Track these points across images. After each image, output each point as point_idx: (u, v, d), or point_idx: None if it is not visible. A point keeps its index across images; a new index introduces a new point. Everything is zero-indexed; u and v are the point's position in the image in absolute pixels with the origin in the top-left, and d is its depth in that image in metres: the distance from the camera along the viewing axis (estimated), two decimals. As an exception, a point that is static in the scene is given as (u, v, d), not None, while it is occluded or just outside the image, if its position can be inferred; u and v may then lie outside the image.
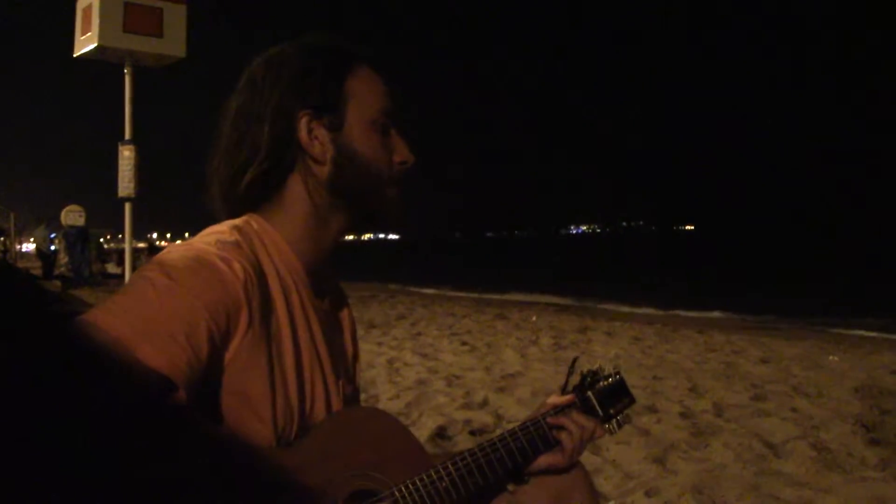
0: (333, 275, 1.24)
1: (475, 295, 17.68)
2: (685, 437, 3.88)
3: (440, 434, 3.96)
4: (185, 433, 0.89)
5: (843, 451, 3.59)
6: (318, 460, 1.00)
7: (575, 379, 1.42)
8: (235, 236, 1.03)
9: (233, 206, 1.12)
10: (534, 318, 10.49)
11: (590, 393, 1.37)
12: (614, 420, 1.39)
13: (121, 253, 17.67)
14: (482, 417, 4.32)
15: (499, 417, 4.36)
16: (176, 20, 6.60)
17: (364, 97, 1.12)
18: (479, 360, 6.53)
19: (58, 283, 16.37)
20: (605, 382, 1.40)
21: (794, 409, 4.46)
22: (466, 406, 4.64)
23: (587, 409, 1.35)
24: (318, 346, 1.10)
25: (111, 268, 20.19)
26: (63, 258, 17.02)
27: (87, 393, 0.54)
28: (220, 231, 1.04)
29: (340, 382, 1.14)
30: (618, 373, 1.45)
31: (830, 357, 6.79)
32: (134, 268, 7.65)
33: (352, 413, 1.13)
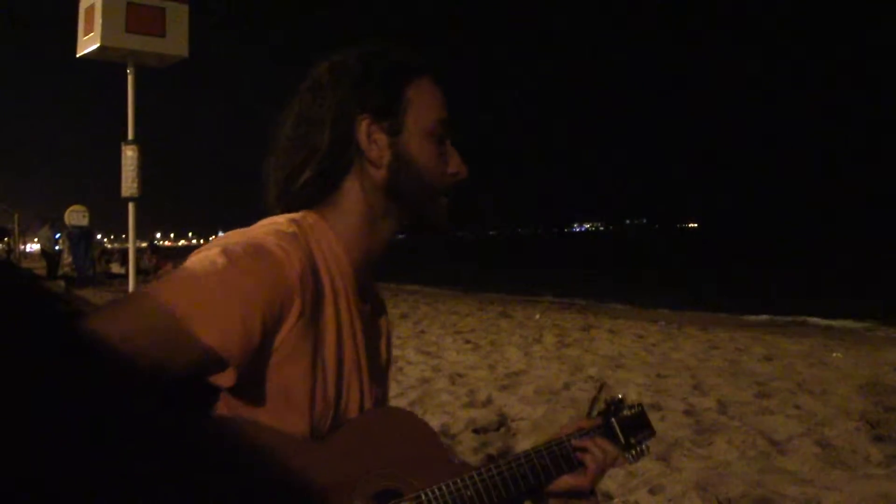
0: (374, 282, 1.26)
1: (478, 293, 17.68)
2: (689, 434, 3.88)
3: (444, 432, 3.96)
4: (221, 424, 0.90)
5: (847, 449, 3.58)
6: (348, 456, 1.02)
7: (600, 404, 1.44)
8: (293, 228, 1.05)
9: (287, 205, 1.14)
10: (537, 317, 10.49)
11: (614, 420, 1.40)
12: (634, 449, 1.42)
13: (124, 252, 17.70)
14: (486, 415, 4.33)
15: (502, 416, 4.37)
16: (178, 20, 6.60)
17: (423, 106, 1.14)
18: (483, 358, 6.54)
19: (61, 282, 16.42)
20: (629, 412, 1.44)
21: (797, 407, 4.45)
22: (470, 404, 4.65)
23: (610, 435, 1.38)
24: (359, 348, 1.11)
25: (115, 268, 20.23)
26: (67, 258, 17.08)
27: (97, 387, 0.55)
28: (278, 222, 1.06)
29: (374, 386, 1.15)
30: (640, 404, 1.48)
31: (834, 354, 6.78)
32: (138, 267, 7.65)
33: (383, 413, 1.14)
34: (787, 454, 3.53)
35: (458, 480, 1.09)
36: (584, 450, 1.29)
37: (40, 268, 19.86)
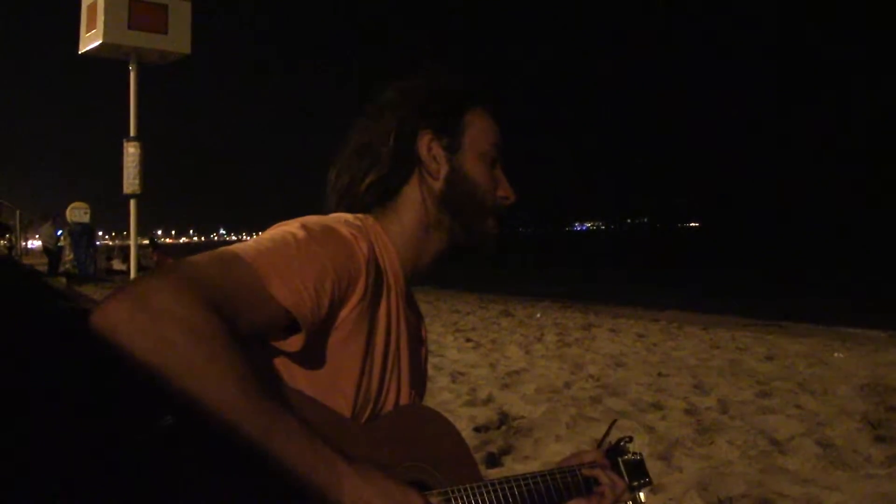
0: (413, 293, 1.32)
1: (479, 292, 17.67)
2: (690, 433, 3.88)
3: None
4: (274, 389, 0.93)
5: (848, 449, 3.58)
6: (384, 444, 1.07)
7: (611, 440, 1.49)
8: (359, 223, 1.13)
9: (348, 209, 1.21)
10: (538, 315, 10.50)
11: (620, 460, 1.45)
12: (634, 494, 1.45)
13: (125, 249, 17.71)
14: (487, 414, 4.33)
15: (503, 414, 4.37)
16: (181, 17, 6.61)
17: (479, 130, 1.23)
18: (484, 356, 6.54)
19: (63, 279, 16.43)
20: (632, 456, 1.48)
21: (799, 407, 4.45)
22: (471, 402, 4.65)
23: (617, 472, 1.42)
24: (402, 349, 1.18)
25: (116, 264, 20.24)
26: (68, 255, 17.09)
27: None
28: (346, 216, 1.14)
29: (411, 390, 1.21)
30: (640, 453, 1.53)
31: (836, 354, 6.78)
32: (139, 263, 7.66)
33: (418, 410, 1.20)
34: (788, 454, 3.53)
35: (482, 485, 1.14)
36: (596, 480, 1.34)
37: (41, 264, 19.88)
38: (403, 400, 1.17)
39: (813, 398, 4.68)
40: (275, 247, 0.99)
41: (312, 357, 1.03)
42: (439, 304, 12.30)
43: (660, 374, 5.61)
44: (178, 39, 6.60)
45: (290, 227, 1.04)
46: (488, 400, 4.74)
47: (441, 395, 4.76)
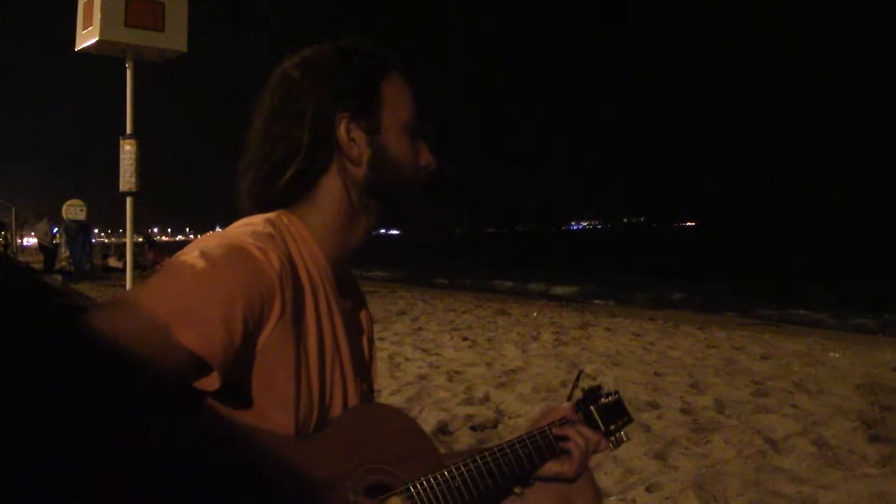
0: (352, 276, 1.27)
1: (476, 290, 17.68)
2: (686, 432, 3.88)
3: (441, 430, 3.96)
4: (206, 421, 0.90)
5: (843, 448, 3.59)
6: (336, 453, 1.03)
7: (578, 391, 1.46)
8: (269, 229, 1.05)
9: (264, 204, 1.14)
10: (535, 314, 10.50)
11: (592, 408, 1.42)
12: (613, 436, 1.43)
13: (121, 246, 17.67)
14: (483, 413, 4.33)
15: (500, 413, 4.37)
16: (177, 14, 6.59)
17: (397, 102, 1.15)
18: (480, 355, 6.54)
19: (59, 277, 16.39)
20: (606, 400, 1.45)
21: (794, 406, 4.46)
22: (467, 401, 4.64)
23: (590, 423, 1.40)
24: (340, 344, 1.12)
25: (112, 262, 20.20)
26: (64, 252, 17.04)
27: (97, 383, 0.55)
28: (254, 223, 1.06)
29: (358, 381, 1.16)
30: (616, 392, 1.50)
31: (831, 354, 6.79)
32: (135, 261, 7.65)
33: (369, 409, 1.16)
34: (783, 453, 3.54)
35: (446, 472, 1.11)
36: (567, 438, 1.31)
37: (37, 262, 19.83)
38: (351, 396, 1.13)
39: (808, 397, 4.69)
40: (171, 286, 0.92)
41: (238, 387, 0.98)
42: (435, 303, 12.30)
43: (656, 374, 5.61)
44: (174, 37, 6.59)
45: (188, 258, 0.95)
46: (485, 399, 4.73)
47: (437, 394, 4.75)
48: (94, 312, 0.86)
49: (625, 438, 1.44)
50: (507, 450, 1.23)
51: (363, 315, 1.28)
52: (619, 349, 6.99)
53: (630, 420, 1.48)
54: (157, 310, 0.87)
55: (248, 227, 1.04)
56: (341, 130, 1.11)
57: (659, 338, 7.91)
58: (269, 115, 1.14)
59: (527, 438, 1.28)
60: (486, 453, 1.20)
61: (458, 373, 5.63)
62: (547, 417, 1.37)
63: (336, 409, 1.10)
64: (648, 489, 3.04)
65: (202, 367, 0.90)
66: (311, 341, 1.06)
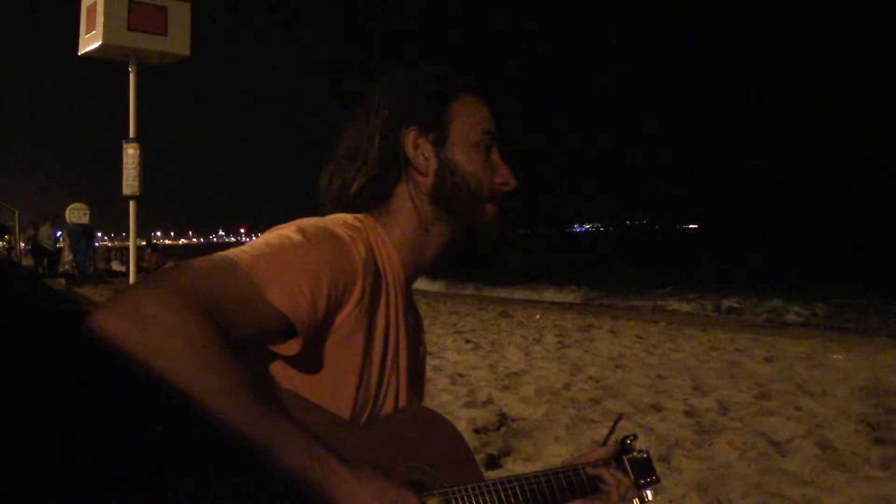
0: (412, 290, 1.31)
1: (479, 293, 17.67)
2: (689, 435, 3.88)
3: (444, 432, 3.96)
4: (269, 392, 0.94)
5: (847, 450, 3.58)
6: (385, 446, 1.07)
7: (615, 438, 1.48)
8: (358, 223, 1.12)
9: (343, 210, 1.20)
10: (538, 317, 10.50)
11: (625, 458, 1.43)
12: (641, 491, 1.43)
13: (124, 250, 17.70)
14: (486, 415, 4.33)
15: (503, 415, 4.37)
16: (180, 18, 6.62)
17: (467, 118, 1.22)
18: (484, 358, 6.54)
19: (62, 280, 16.42)
20: (638, 454, 1.46)
21: (798, 408, 4.45)
22: (471, 404, 4.65)
23: (622, 470, 1.41)
24: (401, 349, 1.17)
25: (115, 265, 20.24)
26: (67, 256, 17.07)
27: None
28: (344, 217, 1.13)
29: (410, 389, 1.20)
30: (648, 451, 1.51)
31: (835, 356, 6.78)
32: (138, 265, 7.66)
33: (418, 411, 1.20)
34: (787, 455, 3.53)
35: (482, 485, 1.13)
36: (600, 479, 1.33)
37: (43, 265, 19.84)
38: (402, 401, 1.17)
39: (812, 400, 4.68)
40: (270, 251, 0.98)
41: (310, 360, 1.02)
42: (438, 306, 12.30)
43: (659, 376, 5.61)
44: (177, 41, 6.62)
45: (286, 231, 1.04)
46: (488, 401, 4.74)
47: (441, 397, 4.76)
48: (199, 261, 0.94)
49: (649, 498, 1.44)
50: (542, 479, 1.25)
51: (421, 332, 1.34)
52: (623, 352, 6.99)
53: (657, 480, 1.48)
54: (256, 270, 0.94)
55: (339, 219, 1.12)
56: (409, 142, 1.18)
57: (662, 340, 7.90)
58: (348, 134, 1.23)
59: (561, 472, 1.29)
60: (522, 479, 1.22)
61: (461, 375, 5.64)
62: (581, 458, 1.40)
63: (387, 410, 1.14)
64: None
65: (287, 330, 0.96)
66: (379, 336, 1.10)
